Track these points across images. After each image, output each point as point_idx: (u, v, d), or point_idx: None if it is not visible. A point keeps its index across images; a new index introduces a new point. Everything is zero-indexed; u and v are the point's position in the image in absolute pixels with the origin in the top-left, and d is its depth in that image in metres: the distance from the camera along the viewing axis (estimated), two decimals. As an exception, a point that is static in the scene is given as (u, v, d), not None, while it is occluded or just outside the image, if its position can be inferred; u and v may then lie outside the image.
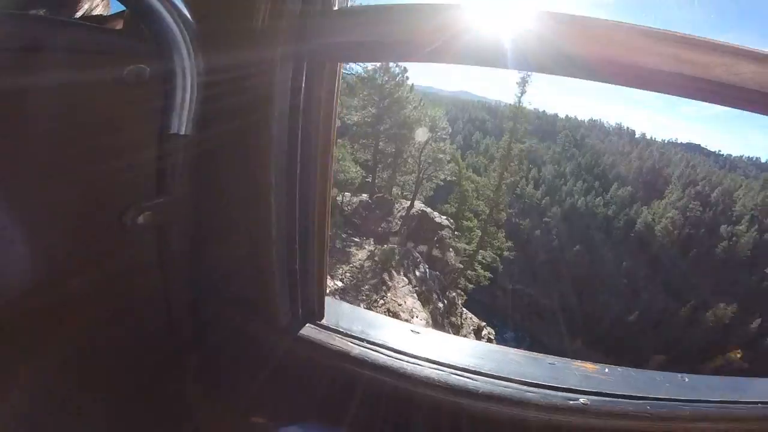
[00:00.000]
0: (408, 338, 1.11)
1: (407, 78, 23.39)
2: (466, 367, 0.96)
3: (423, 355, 1.01)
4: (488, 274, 24.35)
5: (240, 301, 0.99)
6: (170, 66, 0.55)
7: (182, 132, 0.58)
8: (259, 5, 0.78)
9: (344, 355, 1.00)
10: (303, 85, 0.82)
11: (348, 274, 17.12)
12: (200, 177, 0.72)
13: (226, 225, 0.90)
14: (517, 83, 26.10)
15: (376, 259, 18.23)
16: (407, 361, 0.99)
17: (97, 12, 1.00)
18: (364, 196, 22.46)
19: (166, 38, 0.55)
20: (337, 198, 20.73)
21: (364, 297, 16.76)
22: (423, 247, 20.49)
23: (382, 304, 16.99)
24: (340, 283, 16.72)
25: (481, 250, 24.64)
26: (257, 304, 0.98)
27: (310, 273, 1.02)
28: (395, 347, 1.04)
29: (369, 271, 17.71)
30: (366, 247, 18.76)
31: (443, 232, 21.40)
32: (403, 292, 18.15)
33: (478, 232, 25.37)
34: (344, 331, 1.07)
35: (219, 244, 0.91)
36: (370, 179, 23.68)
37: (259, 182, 0.82)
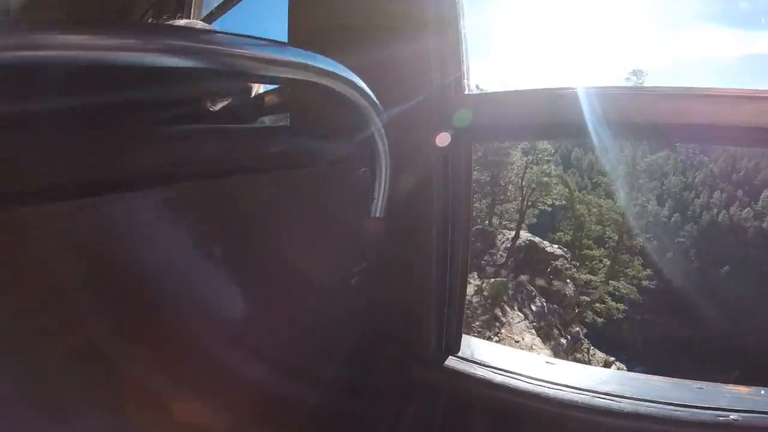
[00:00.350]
0: (544, 368, 1.20)
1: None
2: (608, 392, 1.02)
3: (562, 382, 1.10)
4: (621, 306, 21.74)
5: (397, 338, 1.20)
6: (373, 162, 0.80)
7: (377, 215, 0.82)
8: (409, 94, 1.03)
9: (487, 383, 1.13)
10: (450, 161, 1.06)
11: (456, 311, 16.80)
12: (382, 243, 0.97)
13: (396, 280, 1.14)
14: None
15: (485, 293, 17.64)
16: (548, 387, 1.08)
17: (260, 92, 1.19)
18: (461, 228, 22.13)
19: (374, 141, 0.78)
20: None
21: (475, 334, 16.23)
22: (534, 279, 19.32)
23: (497, 342, 16.28)
24: (448, 321, 16.47)
25: (611, 281, 22.14)
26: (411, 341, 1.19)
27: (452, 313, 1.21)
28: (533, 375, 1.14)
29: (478, 307, 17.17)
30: (471, 281, 18.35)
31: (557, 263, 19.93)
32: (519, 328, 17.16)
33: (606, 261, 22.91)
34: (481, 362, 1.21)
35: (388, 294, 1.15)
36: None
37: (424, 247, 1.07)
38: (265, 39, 0.50)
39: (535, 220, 23.76)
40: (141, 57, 0.36)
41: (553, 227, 25.01)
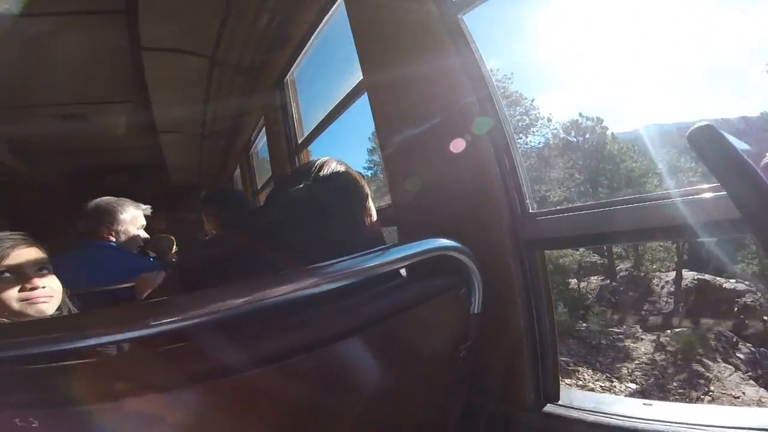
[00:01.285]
0: (642, 409, 1.16)
1: (606, 128, 18.95)
2: (701, 423, 1.00)
3: (657, 418, 1.08)
4: None
5: (494, 390, 1.34)
6: (468, 283, 1.06)
7: (476, 312, 1.07)
8: (482, 218, 1.35)
9: (585, 423, 1.17)
10: (527, 267, 1.30)
11: (638, 372, 13.72)
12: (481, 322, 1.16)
13: (492, 346, 1.32)
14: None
15: (670, 348, 14.22)
16: (644, 423, 1.08)
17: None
18: (594, 278, 18.47)
19: (467, 270, 1.04)
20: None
21: (676, 396, 12.89)
22: (719, 323, 14.99)
23: (709, 402, 12.58)
24: (633, 385, 13.43)
25: None
26: (508, 392, 1.33)
27: (548, 364, 1.33)
28: (630, 415, 1.13)
29: (668, 366, 13.81)
30: (642, 337, 15.06)
31: (745, 299, 15.32)
32: (733, 381, 13.14)
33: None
34: (579, 407, 1.23)
35: (486, 356, 1.30)
36: (600, 259, 19.04)
37: (512, 321, 1.30)
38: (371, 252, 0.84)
39: (686, 257, 18.48)
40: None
41: (703, 259, 18.65)
